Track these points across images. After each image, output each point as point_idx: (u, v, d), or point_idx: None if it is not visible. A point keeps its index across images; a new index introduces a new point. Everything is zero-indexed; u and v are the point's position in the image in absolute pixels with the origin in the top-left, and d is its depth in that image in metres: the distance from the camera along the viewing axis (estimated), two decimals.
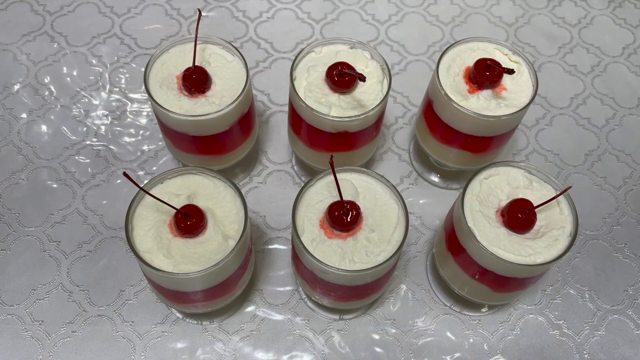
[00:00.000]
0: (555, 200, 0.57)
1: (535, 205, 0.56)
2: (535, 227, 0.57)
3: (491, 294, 0.61)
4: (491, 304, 0.68)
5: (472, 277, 0.60)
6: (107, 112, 0.81)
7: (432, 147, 0.72)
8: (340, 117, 0.61)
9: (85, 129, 0.79)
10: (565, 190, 0.55)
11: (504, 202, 0.58)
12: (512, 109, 0.63)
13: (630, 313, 0.70)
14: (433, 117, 0.68)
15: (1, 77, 0.83)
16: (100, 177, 0.76)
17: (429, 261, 0.72)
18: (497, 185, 0.60)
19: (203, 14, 0.90)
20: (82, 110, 0.81)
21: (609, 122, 0.84)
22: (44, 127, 0.79)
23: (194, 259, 0.54)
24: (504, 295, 0.62)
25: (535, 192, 0.59)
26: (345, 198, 0.55)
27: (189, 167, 0.59)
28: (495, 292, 0.61)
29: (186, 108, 0.62)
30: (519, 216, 0.56)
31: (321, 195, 0.57)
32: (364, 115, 0.61)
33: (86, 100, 0.82)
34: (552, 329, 0.68)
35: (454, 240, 0.60)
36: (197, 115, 0.61)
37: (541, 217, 0.58)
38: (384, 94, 0.63)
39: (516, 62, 0.67)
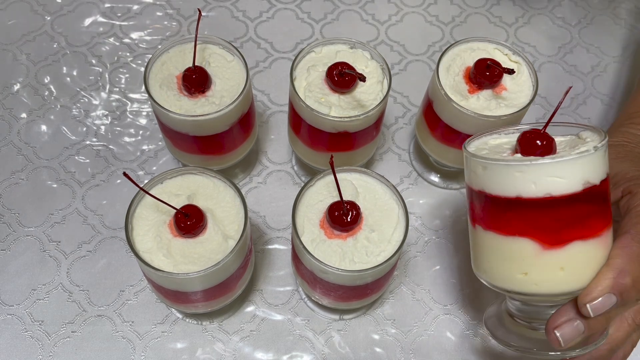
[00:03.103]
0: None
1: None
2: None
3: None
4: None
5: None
6: (107, 112, 0.81)
7: (432, 147, 0.72)
8: (340, 117, 0.61)
9: (85, 129, 0.79)
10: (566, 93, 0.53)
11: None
12: (512, 109, 0.63)
13: None
14: (433, 117, 0.68)
15: (1, 77, 0.83)
16: (100, 177, 0.76)
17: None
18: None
19: (203, 14, 0.90)
20: (82, 110, 0.81)
21: (609, 122, 0.84)
22: (43, 127, 0.79)
23: (194, 259, 0.54)
24: None
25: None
26: (345, 198, 0.55)
27: (189, 167, 0.59)
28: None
29: (186, 108, 0.62)
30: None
31: (321, 195, 0.57)
32: (364, 115, 0.61)
33: (86, 100, 0.82)
34: None
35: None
36: (197, 115, 0.61)
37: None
38: (384, 94, 0.63)
39: (516, 62, 0.67)
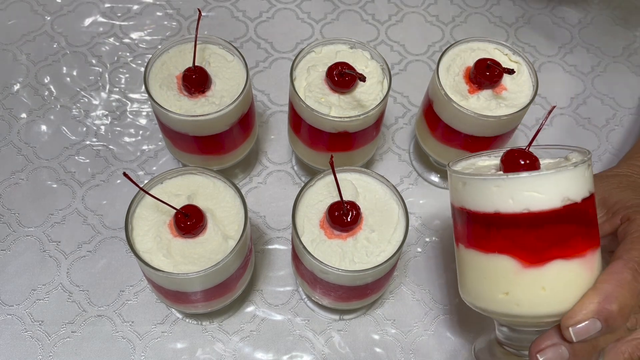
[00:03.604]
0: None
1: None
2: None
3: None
4: None
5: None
6: (107, 112, 0.81)
7: (432, 147, 0.72)
8: (340, 117, 0.61)
9: (85, 129, 0.79)
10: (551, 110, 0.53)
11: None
12: (512, 109, 0.63)
13: None
14: (433, 117, 0.68)
15: (1, 77, 0.83)
16: (100, 177, 0.76)
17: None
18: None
19: (203, 14, 0.90)
20: (82, 110, 0.81)
21: (609, 122, 0.84)
22: (43, 127, 0.79)
23: (194, 259, 0.54)
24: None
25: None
26: (345, 198, 0.55)
27: (189, 167, 0.59)
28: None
29: (186, 108, 0.62)
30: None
31: (321, 195, 0.57)
32: (364, 115, 0.61)
33: (86, 100, 0.82)
34: None
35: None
36: (197, 115, 0.61)
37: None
38: (384, 94, 0.63)
39: (516, 62, 0.67)
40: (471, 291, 0.51)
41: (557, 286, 0.46)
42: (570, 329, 0.45)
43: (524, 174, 0.45)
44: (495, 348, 0.57)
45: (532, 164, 0.48)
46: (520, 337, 0.52)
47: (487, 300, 0.49)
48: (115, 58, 0.86)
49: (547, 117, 0.50)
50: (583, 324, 0.45)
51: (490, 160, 0.53)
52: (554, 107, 0.52)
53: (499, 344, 0.56)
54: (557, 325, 0.47)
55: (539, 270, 0.46)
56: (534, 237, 0.45)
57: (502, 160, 0.50)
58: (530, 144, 0.50)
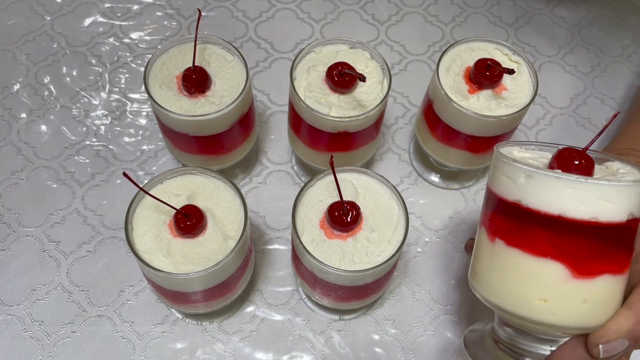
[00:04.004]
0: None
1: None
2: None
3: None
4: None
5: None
6: (107, 112, 0.81)
7: (432, 147, 0.72)
8: (340, 117, 0.61)
9: (85, 129, 0.79)
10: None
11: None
12: (512, 109, 0.63)
13: None
14: (433, 117, 0.68)
15: (1, 77, 0.83)
16: (100, 177, 0.75)
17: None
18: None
19: (203, 14, 0.90)
20: (81, 110, 0.81)
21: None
22: (43, 127, 0.79)
23: (194, 259, 0.54)
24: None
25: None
26: (345, 198, 0.55)
27: (189, 167, 0.59)
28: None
29: (186, 108, 0.62)
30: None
31: (321, 195, 0.57)
32: (364, 115, 0.61)
33: (86, 100, 0.82)
34: None
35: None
36: (196, 115, 0.61)
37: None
38: (384, 94, 0.63)
39: (516, 62, 0.67)
40: (498, 290, 0.48)
41: (598, 300, 0.45)
42: (601, 346, 0.44)
43: (604, 181, 0.42)
44: (487, 341, 0.55)
45: (589, 169, 0.46)
46: (522, 341, 0.51)
47: (518, 304, 0.46)
48: (115, 58, 0.86)
49: (611, 121, 0.48)
50: (614, 342, 0.44)
51: (522, 152, 0.50)
52: (618, 112, 0.51)
53: (493, 339, 0.54)
54: (579, 337, 0.46)
55: (586, 283, 0.44)
56: (592, 248, 0.43)
57: (557, 158, 0.46)
58: (588, 146, 0.47)
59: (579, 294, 0.44)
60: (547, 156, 0.50)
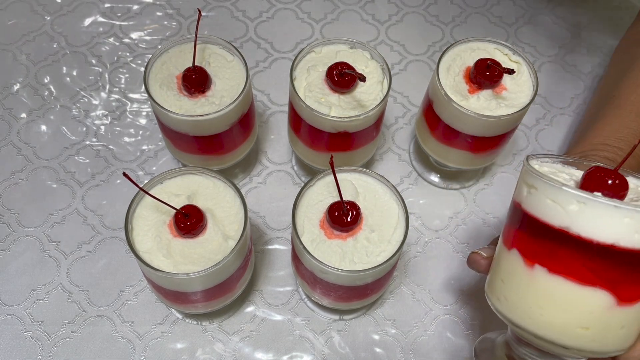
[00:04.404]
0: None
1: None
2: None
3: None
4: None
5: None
6: (107, 112, 0.81)
7: (432, 147, 0.72)
8: (340, 117, 0.61)
9: (85, 129, 0.79)
10: None
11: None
12: (512, 109, 0.63)
13: None
14: (433, 117, 0.68)
15: (1, 77, 0.83)
16: (100, 177, 0.75)
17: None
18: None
19: (203, 14, 0.90)
20: (82, 110, 0.81)
21: None
22: (43, 127, 0.79)
23: (194, 259, 0.54)
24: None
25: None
26: (345, 198, 0.55)
27: (189, 167, 0.59)
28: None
29: (186, 108, 0.62)
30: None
31: (321, 195, 0.57)
32: (364, 115, 0.61)
33: (86, 100, 0.82)
34: None
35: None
36: (196, 115, 0.61)
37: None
38: (384, 94, 0.63)
39: (516, 62, 0.67)
40: (533, 316, 0.46)
41: (633, 325, 0.45)
42: None
43: None
44: (498, 353, 0.55)
45: (623, 191, 0.44)
46: (538, 359, 0.50)
47: (557, 332, 0.45)
48: (115, 58, 0.86)
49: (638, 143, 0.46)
50: None
51: (542, 167, 0.48)
52: None
53: (507, 356, 0.53)
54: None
55: (627, 309, 0.43)
56: (637, 275, 0.43)
57: (588, 177, 0.45)
58: (619, 166, 0.45)
59: (620, 321, 0.44)
60: (565, 170, 0.49)
